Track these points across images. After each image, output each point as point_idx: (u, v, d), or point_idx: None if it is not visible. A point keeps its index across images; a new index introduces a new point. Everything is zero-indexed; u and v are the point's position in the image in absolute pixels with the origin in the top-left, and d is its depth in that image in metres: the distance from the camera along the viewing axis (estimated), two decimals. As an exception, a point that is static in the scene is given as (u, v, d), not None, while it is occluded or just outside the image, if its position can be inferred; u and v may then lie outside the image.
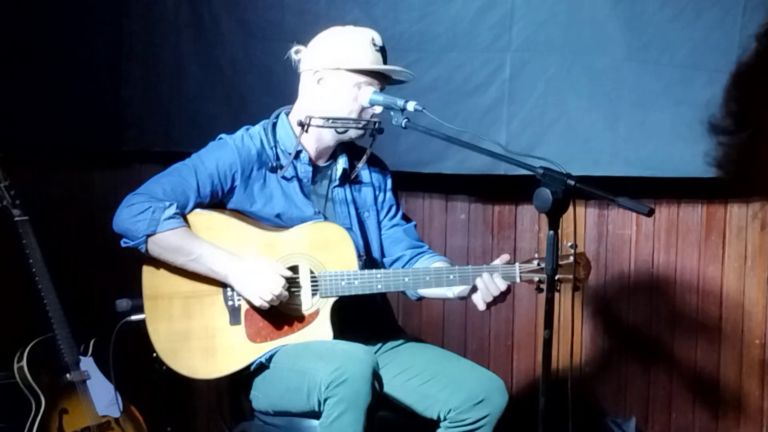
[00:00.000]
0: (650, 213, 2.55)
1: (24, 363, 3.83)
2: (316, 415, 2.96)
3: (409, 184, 4.32)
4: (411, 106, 3.01)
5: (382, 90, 3.17)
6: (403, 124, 3.03)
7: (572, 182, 2.54)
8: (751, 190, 4.41)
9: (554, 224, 2.57)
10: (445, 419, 3.10)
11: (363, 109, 3.15)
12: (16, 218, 3.86)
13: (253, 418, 3.23)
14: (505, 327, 4.64)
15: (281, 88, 4.25)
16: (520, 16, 4.25)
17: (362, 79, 3.13)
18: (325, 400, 2.87)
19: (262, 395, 3.15)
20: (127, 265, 4.17)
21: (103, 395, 3.94)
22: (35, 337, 3.89)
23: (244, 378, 3.17)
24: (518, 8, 4.25)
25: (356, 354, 2.93)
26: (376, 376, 2.89)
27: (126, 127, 4.36)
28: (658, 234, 4.56)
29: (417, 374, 3.18)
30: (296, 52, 3.25)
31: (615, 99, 4.27)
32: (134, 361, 3.45)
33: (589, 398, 4.57)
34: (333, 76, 3.15)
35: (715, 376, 4.56)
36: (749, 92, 4.17)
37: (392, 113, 3.06)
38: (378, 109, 3.13)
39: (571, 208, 2.60)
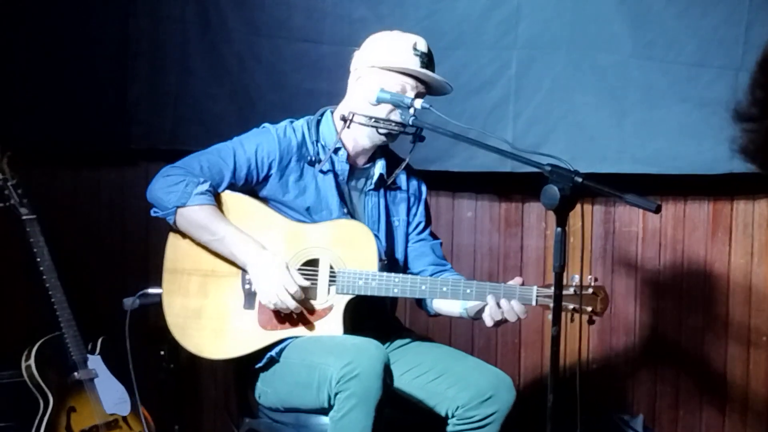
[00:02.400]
0: (657, 210, 2.55)
1: (32, 361, 3.84)
2: (325, 411, 2.97)
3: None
4: (418, 103, 3.04)
5: (420, 97, 3.17)
6: (410, 122, 3.04)
7: (579, 179, 2.54)
8: (759, 186, 4.40)
9: (561, 221, 2.57)
10: (453, 416, 3.11)
11: (392, 110, 3.16)
12: (24, 217, 3.87)
13: (261, 416, 3.23)
14: (512, 324, 4.53)
15: (288, 86, 4.27)
16: (526, 13, 4.26)
17: (397, 79, 3.16)
18: (336, 394, 2.88)
19: (272, 390, 3.16)
20: (135, 263, 4.20)
21: (110, 393, 3.95)
22: (43, 335, 3.89)
23: (253, 373, 3.18)
24: (524, 6, 4.25)
25: (368, 349, 2.93)
26: (387, 372, 2.90)
27: (133, 126, 4.36)
28: (665, 231, 4.56)
29: (425, 372, 3.19)
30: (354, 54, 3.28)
31: (621, 96, 4.27)
32: (142, 359, 3.46)
33: (596, 395, 4.56)
34: (370, 74, 3.18)
35: (722, 373, 4.56)
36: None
37: (400, 111, 3.07)
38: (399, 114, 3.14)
39: (578, 206, 2.60)
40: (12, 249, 4.15)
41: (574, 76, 4.28)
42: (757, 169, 4.19)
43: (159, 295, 3.18)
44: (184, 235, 3.14)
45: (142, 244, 4.33)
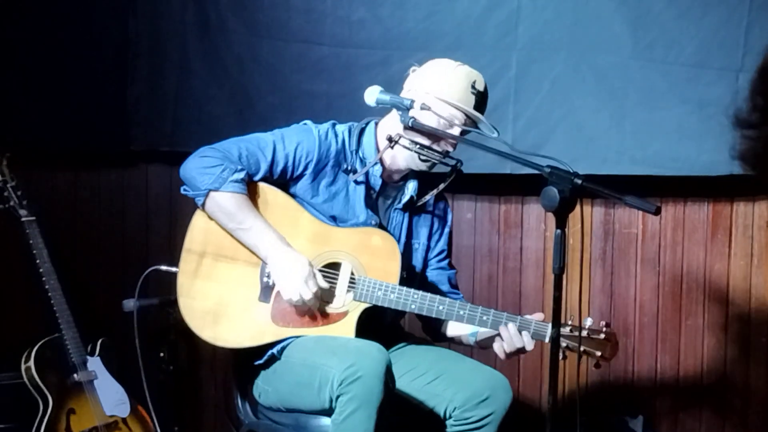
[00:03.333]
0: (657, 211, 2.55)
1: (31, 363, 3.84)
2: (325, 411, 2.97)
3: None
4: (417, 105, 3.02)
5: (462, 134, 3.15)
6: (409, 123, 3.04)
7: (579, 181, 2.54)
8: (759, 188, 4.40)
9: (561, 223, 2.57)
10: (450, 417, 3.11)
11: (438, 140, 3.14)
12: (23, 218, 3.87)
13: (261, 417, 3.23)
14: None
15: (287, 87, 4.27)
16: (526, 14, 4.25)
17: (449, 110, 3.12)
18: (338, 397, 2.87)
19: (272, 389, 3.16)
20: (134, 265, 4.19)
21: (110, 395, 3.95)
22: (42, 337, 3.90)
23: (253, 370, 3.18)
24: (524, 7, 4.25)
25: (370, 351, 2.93)
26: (389, 374, 2.90)
27: (132, 127, 4.37)
28: (665, 232, 4.55)
29: (422, 373, 3.19)
30: (412, 71, 3.24)
31: (621, 97, 4.27)
32: (142, 360, 3.46)
33: (595, 397, 4.56)
34: (424, 100, 3.13)
35: (722, 374, 4.56)
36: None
37: (399, 112, 3.07)
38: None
39: (577, 207, 2.60)
40: (11, 251, 4.16)
41: (574, 78, 4.27)
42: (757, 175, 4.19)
43: (173, 269, 3.17)
44: (208, 219, 3.13)
45: (142, 246, 4.33)
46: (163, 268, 3.27)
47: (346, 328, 3.10)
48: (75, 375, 3.89)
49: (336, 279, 3.13)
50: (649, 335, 4.59)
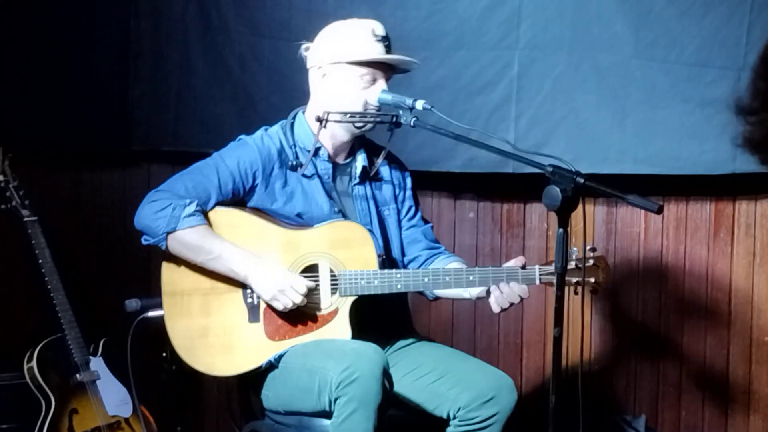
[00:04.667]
0: (659, 210, 2.55)
1: (34, 363, 3.84)
2: (326, 414, 2.96)
3: (417, 182, 4.28)
4: (419, 104, 3.02)
5: (388, 80, 3.18)
6: (411, 123, 3.03)
7: (581, 180, 2.54)
8: (761, 187, 4.40)
9: (563, 222, 2.56)
10: (454, 417, 3.10)
11: (366, 101, 3.15)
12: (25, 219, 3.87)
13: (264, 417, 3.23)
14: (514, 325, 4.64)
15: (289, 87, 4.26)
16: (527, 14, 4.25)
17: (365, 70, 3.13)
18: (336, 399, 2.87)
19: (273, 394, 3.15)
20: (137, 265, 4.20)
21: (113, 395, 3.95)
22: (45, 337, 3.90)
23: (255, 377, 3.18)
24: (526, 6, 4.24)
25: (366, 353, 2.93)
26: (386, 375, 2.89)
27: (134, 127, 4.37)
28: (667, 231, 4.55)
29: (426, 373, 3.18)
30: (306, 50, 3.25)
31: (623, 96, 4.26)
32: (144, 361, 3.46)
33: (598, 396, 4.56)
34: (336, 70, 3.16)
35: (724, 373, 4.55)
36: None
37: (401, 112, 3.06)
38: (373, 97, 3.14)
39: (580, 206, 2.59)
40: (14, 251, 4.16)
41: (576, 77, 4.27)
42: (759, 163, 4.18)
43: (160, 313, 3.18)
44: (177, 259, 3.12)
45: (144, 246, 4.33)
46: (150, 314, 3.29)
47: (341, 325, 3.10)
48: (77, 375, 3.90)
49: (318, 281, 3.11)
50: (651, 334, 4.59)
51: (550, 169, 2.60)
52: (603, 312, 4.59)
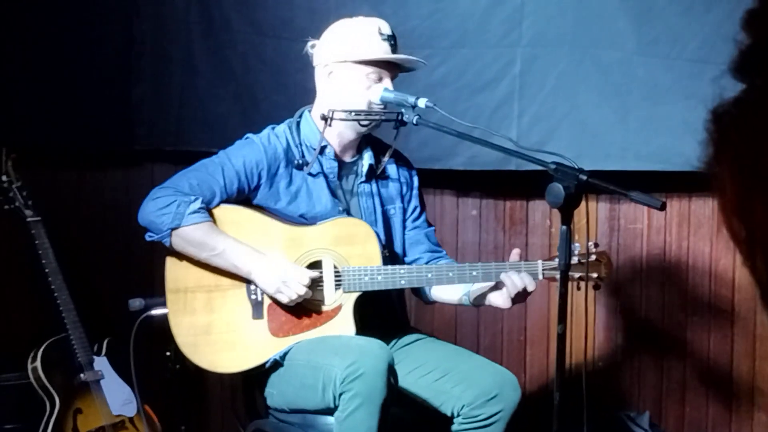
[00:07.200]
0: (662, 207, 2.55)
1: (38, 363, 3.84)
2: (331, 411, 2.97)
3: (420, 180, 4.32)
4: (422, 102, 3.02)
5: (394, 79, 3.19)
6: (414, 121, 3.04)
7: (584, 177, 2.54)
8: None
9: (566, 219, 2.57)
10: (458, 415, 3.11)
11: (371, 100, 3.16)
12: (29, 219, 3.87)
13: (268, 416, 3.24)
14: (517, 323, 4.64)
15: (291, 85, 4.27)
16: (530, 11, 4.25)
17: (371, 69, 3.14)
18: (341, 394, 2.88)
19: (277, 392, 3.16)
20: (140, 265, 4.20)
21: (117, 395, 3.95)
22: (49, 337, 3.90)
23: (259, 375, 3.18)
24: (528, 3, 4.24)
25: (371, 349, 2.94)
26: (391, 371, 2.90)
27: (137, 127, 4.37)
28: (670, 227, 4.55)
29: (430, 371, 3.19)
30: (311, 47, 3.25)
31: (625, 93, 4.26)
32: (148, 359, 3.46)
33: (602, 393, 4.56)
34: (342, 69, 3.17)
35: (728, 369, 4.55)
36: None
37: (404, 110, 3.06)
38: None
39: (583, 203, 2.60)
40: (17, 251, 4.16)
41: (578, 74, 4.27)
42: None
43: (164, 311, 3.18)
44: (180, 256, 3.13)
45: (148, 245, 4.33)
46: (154, 312, 3.29)
47: (345, 321, 3.11)
48: (82, 375, 3.90)
49: (321, 277, 3.12)
50: (654, 330, 4.59)
51: (552, 166, 2.61)
52: (606, 309, 4.59)
